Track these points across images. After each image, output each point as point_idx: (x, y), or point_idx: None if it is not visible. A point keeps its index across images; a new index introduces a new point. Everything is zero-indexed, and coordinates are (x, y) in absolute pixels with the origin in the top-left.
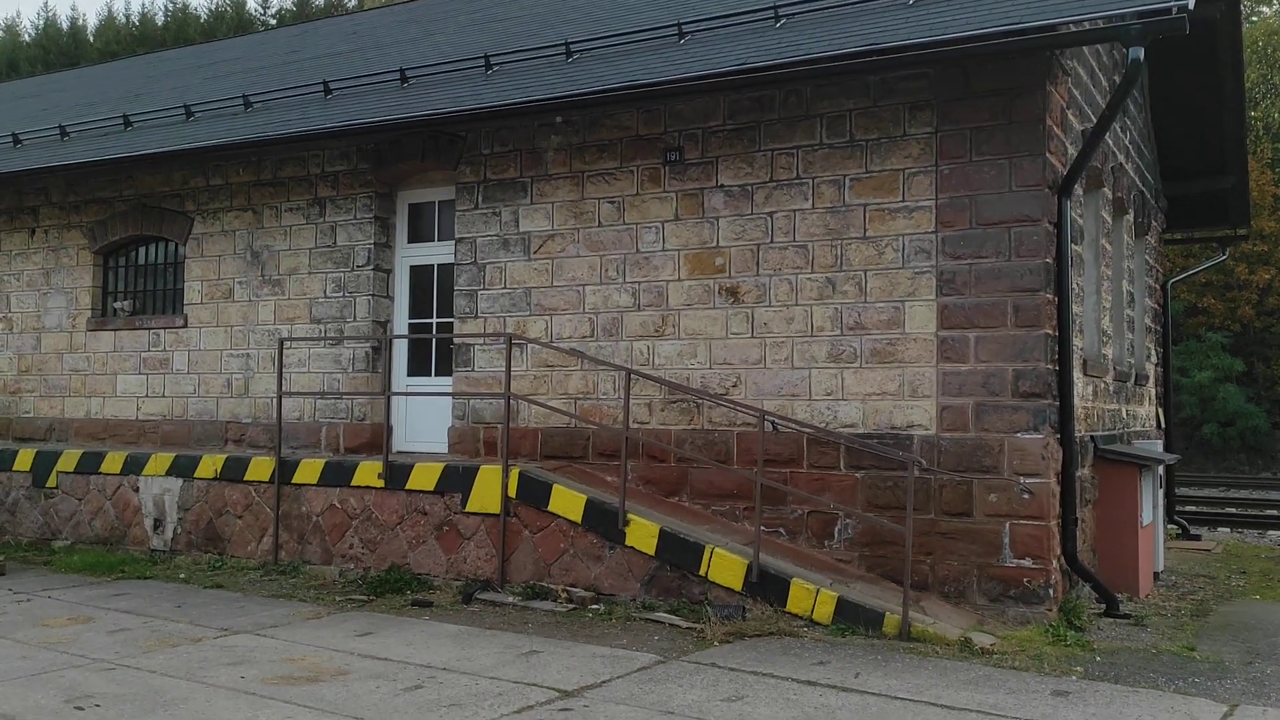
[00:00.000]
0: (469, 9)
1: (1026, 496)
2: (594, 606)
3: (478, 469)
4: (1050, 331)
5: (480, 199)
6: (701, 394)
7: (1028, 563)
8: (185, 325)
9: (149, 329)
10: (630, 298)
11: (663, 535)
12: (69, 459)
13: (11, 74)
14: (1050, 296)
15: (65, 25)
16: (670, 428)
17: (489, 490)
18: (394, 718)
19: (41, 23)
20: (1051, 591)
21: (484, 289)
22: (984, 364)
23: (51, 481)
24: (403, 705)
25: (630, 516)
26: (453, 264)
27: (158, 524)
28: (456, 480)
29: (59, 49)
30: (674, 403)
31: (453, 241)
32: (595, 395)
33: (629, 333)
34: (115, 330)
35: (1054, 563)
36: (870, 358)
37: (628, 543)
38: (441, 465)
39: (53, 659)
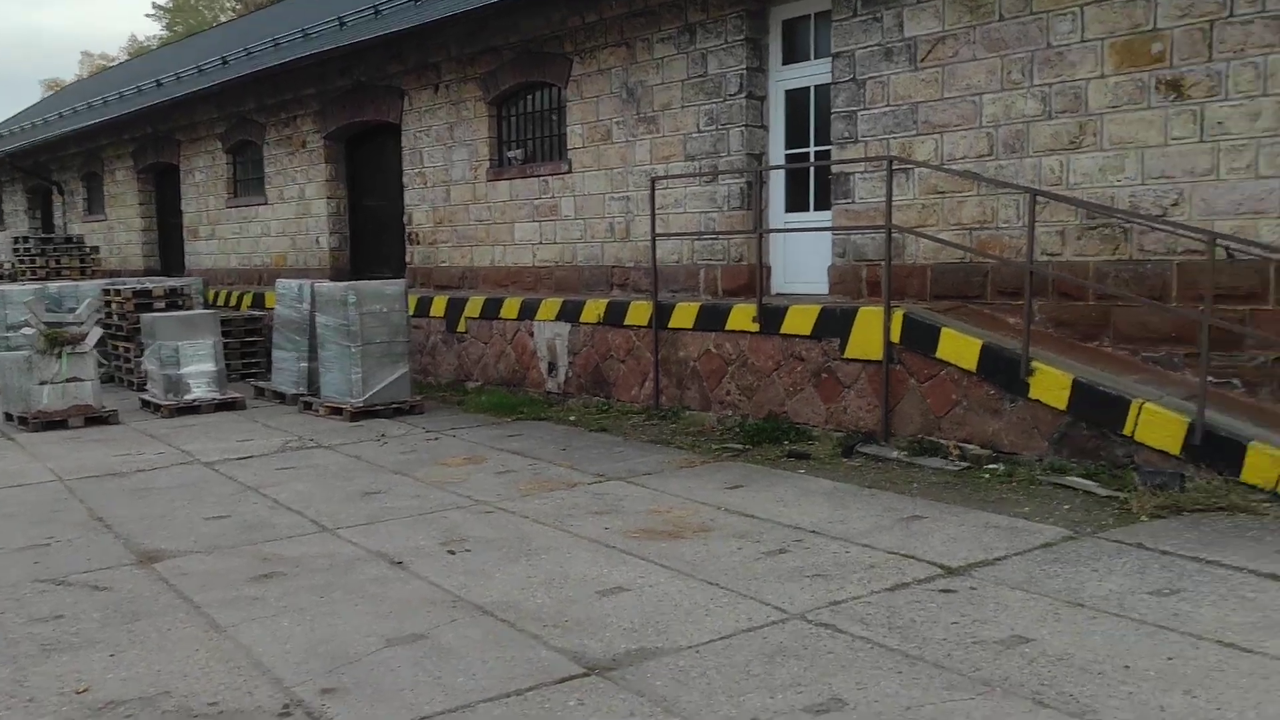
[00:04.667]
0: None
1: None
2: (991, 466)
3: (856, 311)
4: None
5: (859, 4)
6: (1130, 215)
7: None
8: (569, 170)
9: (538, 176)
10: (1038, 104)
11: (1076, 387)
12: (474, 305)
13: None
14: None
15: None
16: (1088, 259)
17: (869, 335)
18: (751, 586)
19: None
20: None
21: (864, 109)
22: None
23: (461, 326)
24: (762, 572)
25: (1035, 364)
26: (830, 84)
27: (551, 367)
28: (834, 324)
29: None
30: (1093, 229)
31: (830, 58)
32: (994, 224)
33: (1036, 147)
34: (510, 179)
35: None
36: None
37: (1032, 395)
38: (817, 308)
39: (441, 499)
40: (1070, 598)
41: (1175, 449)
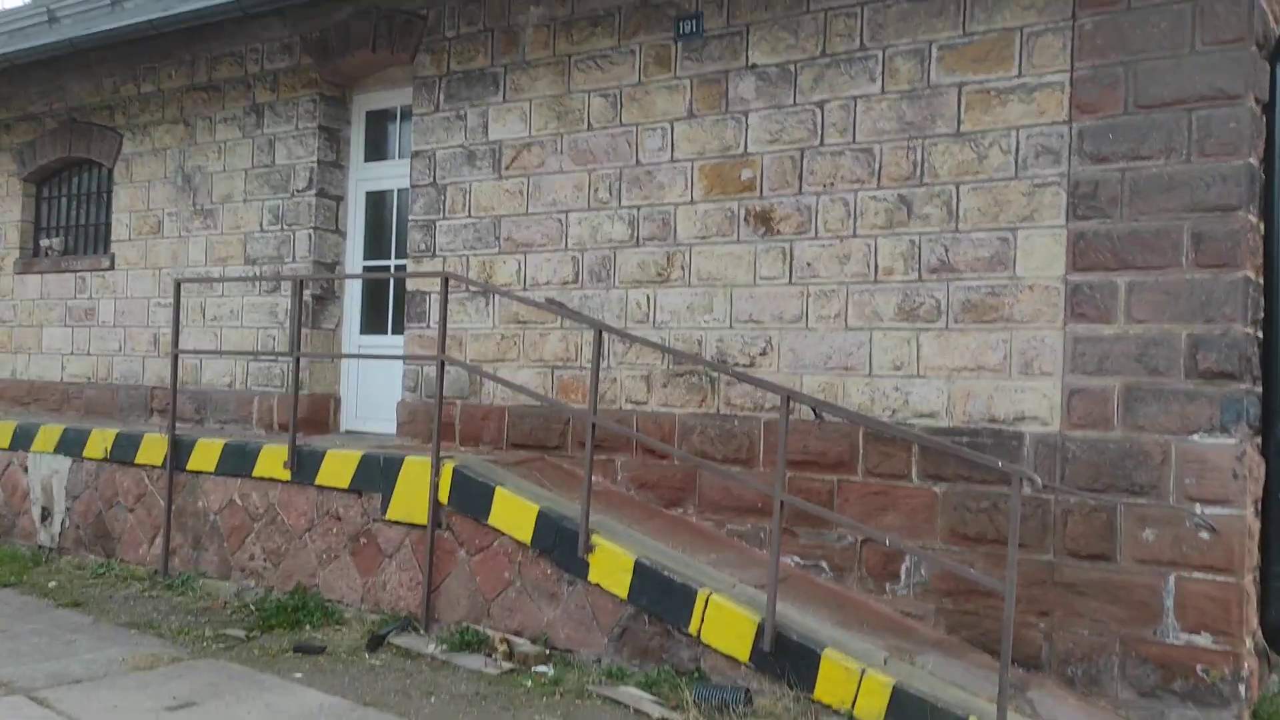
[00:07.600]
0: None
1: (1206, 535)
2: (539, 669)
3: (402, 461)
4: (1251, 274)
5: (441, 99)
6: (715, 365)
7: (1203, 639)
8: (111, 267)
9: (75, 272)
10: (626, 228)
11: (639, 569)
12: None
13: None
14: (1253, 219)
15: None
16: (674, 411)
17: (415, 491)
18: None
19: None
20: (1242, 688)
21: (444, 218)
22: (1141, 325)
23: None
24: None
25: (596, 539)
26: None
27: (45, 514)
28: (376, 475)
29: None
30: (680, 376)
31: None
32: (578, 363)
33: (624, 276)
34: (43, 274)
35: (1247, 641)
36: (961, 314)
37: (591, 578)
38: (359, 454)
39: None
40: None
41: (743, 655)
